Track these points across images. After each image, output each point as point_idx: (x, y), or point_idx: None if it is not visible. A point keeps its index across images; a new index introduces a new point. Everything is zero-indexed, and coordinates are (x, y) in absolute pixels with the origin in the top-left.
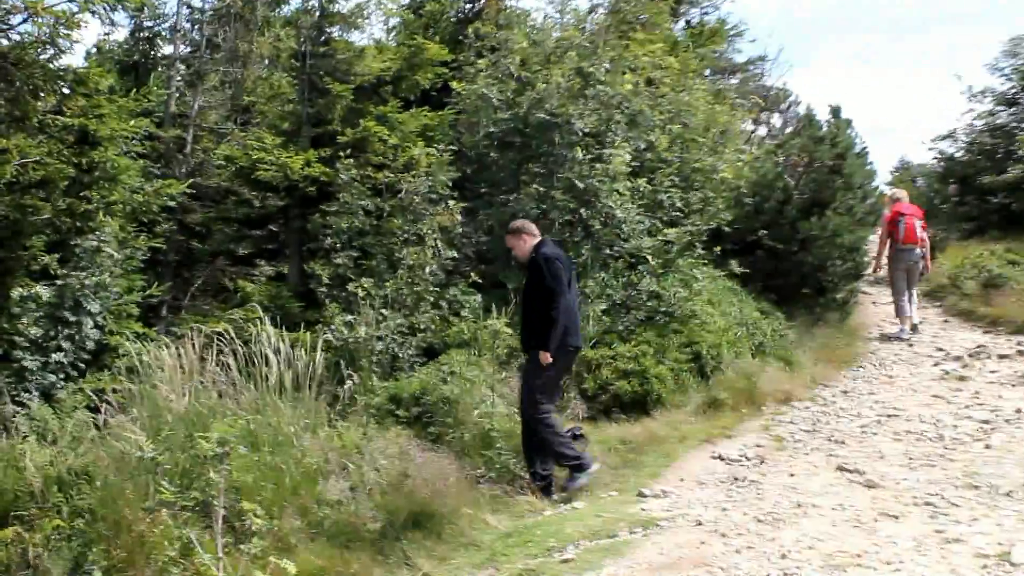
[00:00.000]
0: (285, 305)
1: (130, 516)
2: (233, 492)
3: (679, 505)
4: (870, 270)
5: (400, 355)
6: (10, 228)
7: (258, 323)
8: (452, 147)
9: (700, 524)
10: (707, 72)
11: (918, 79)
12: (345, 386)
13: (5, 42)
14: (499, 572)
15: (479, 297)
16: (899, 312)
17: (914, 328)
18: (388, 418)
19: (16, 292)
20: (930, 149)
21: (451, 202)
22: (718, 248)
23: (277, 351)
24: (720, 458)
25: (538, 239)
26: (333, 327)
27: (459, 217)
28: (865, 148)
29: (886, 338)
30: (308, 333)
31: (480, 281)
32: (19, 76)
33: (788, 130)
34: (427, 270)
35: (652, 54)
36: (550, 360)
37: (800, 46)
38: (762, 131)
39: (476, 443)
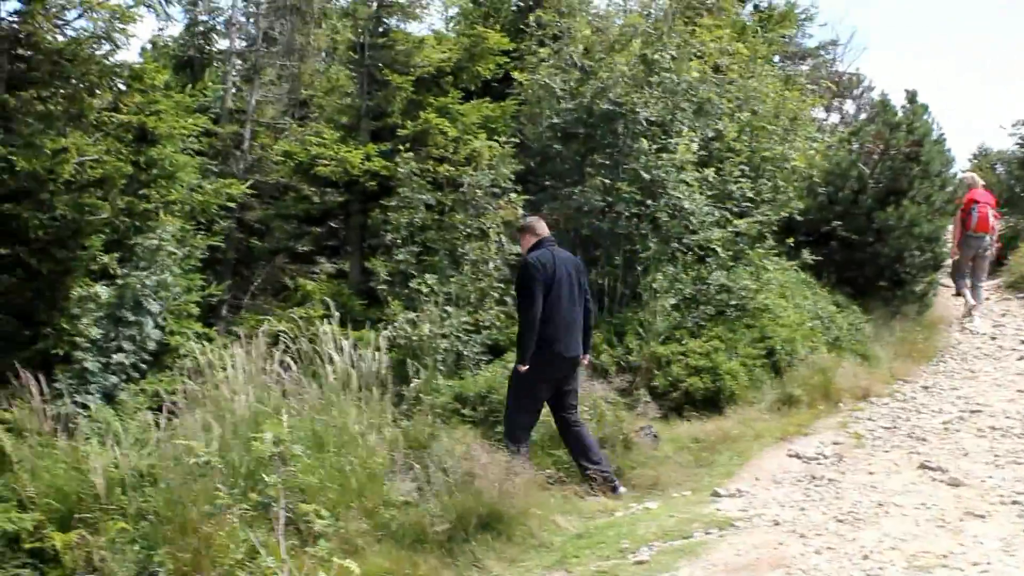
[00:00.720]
0: (346, 303)
1: (195, 519)
2: (298, 493)
3: (755, 505)
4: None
5: (465, 353)
6: (69, 228)
7: (320, 321)
8: (514, 139)
9: (777, 524)
10: (776, 58)
11: (997, 61)
12: (410, 385)
13: (61, 38)
14: (571, 574)
15: None
16: (959, 292)
17: (969, 312)
18: (454, 417)
19: (76, 292)
20: (1011, 135)
21: (513, 195)
22: (790, 239)
23: (340, 350)
24: (796, 456)
25: (538, 239)
26: (396, 324)
27: (521, 210)
28: (943, 134)
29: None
30: (371, 331)
31: None
32: (75, 73)
33: (862, 116)
34: (491, 265)
35: (719, 40)
36: (522, 369)
37: (873, 29)
38: (835, 118)
39: (544, 443)
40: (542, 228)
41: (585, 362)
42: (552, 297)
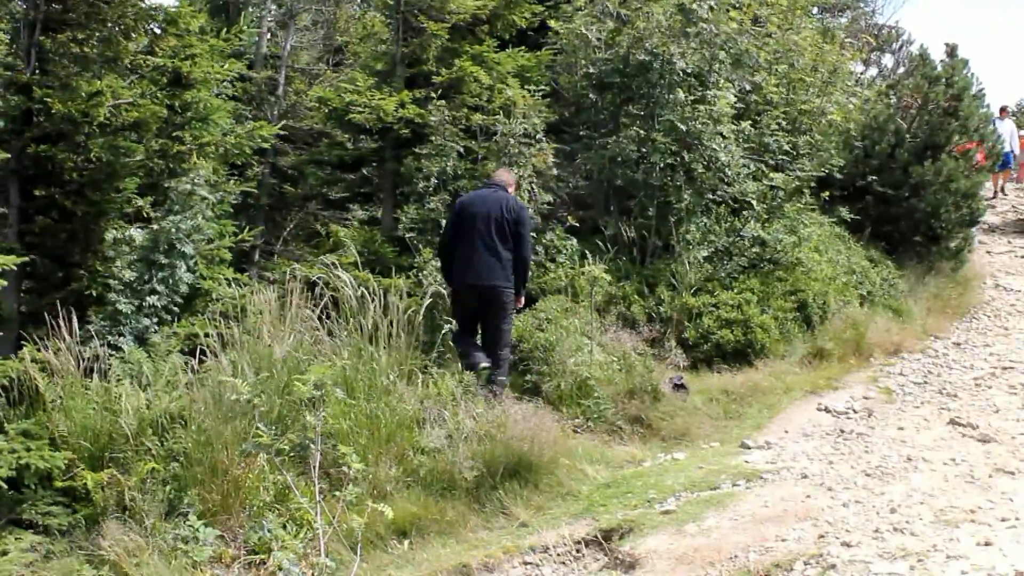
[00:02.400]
0: (379, 250)
1: (226, 460)
2: (329, 438)
3: (783, 457)
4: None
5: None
6: (103, 170)
7: (352, 268)
8: (548, 88)
9: (805, 477)
10: (815, 10)
11: None
12: (440, 333)
13: None
14: (597, 522)
15: (576, 242)
16: None
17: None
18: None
19: (110, 235)
20: None
21: (544, 144)
22: (826, 193)
23: (372, 296)
24: (826, 410)
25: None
26: (426, 272)
27: (551, 157)
28: (982, 89)
29: None
30: (402, 278)
31: (577, 226)
32: (111, 15)
33: (900, 70)
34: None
35: None
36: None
37: None
38: (873, 72)
39: (573, 392)
40: (495, 175)
41: (519, 304)
42: (460, 233)
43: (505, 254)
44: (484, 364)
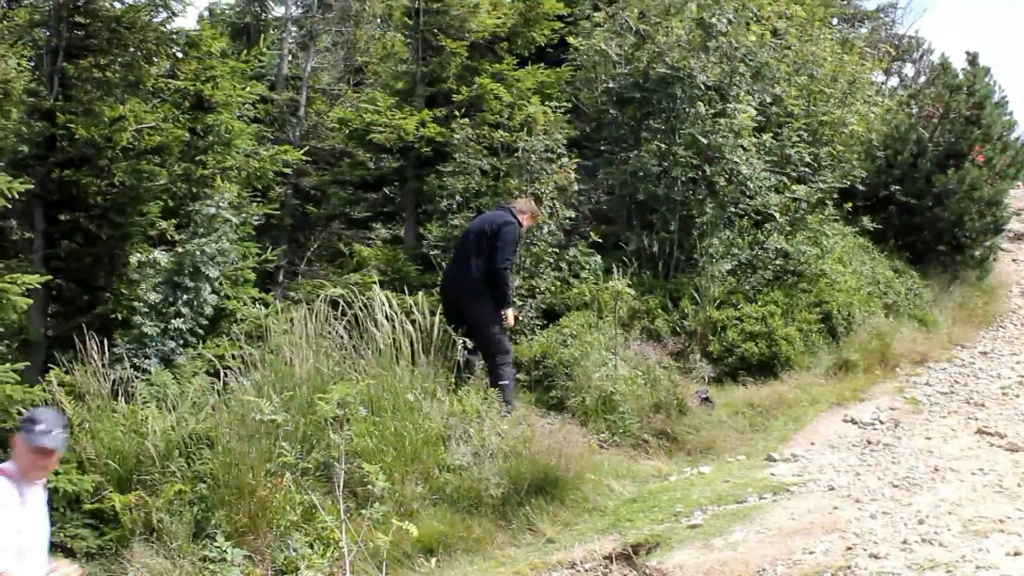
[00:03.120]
0: (402, 268)
1: (252, 481)
2: (355, 457)
3: (810, 469)
4: None
5: (519, 318)
6: (127, 194)
7: (375, 287)
8: (569, 104)
9: (832, 489)
10: (834, 21)
11: None
12: (464, 351)
13: (119, 5)
14: (624, 537)
15: (599, 258)
16: None
17: None
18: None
19: (135, 258)
20: None
21: (565, 160)
22: (849, 204)
23: (395, 315)
24: (852, 421)
25: None
26: None
27: (574, 174)
28: (1005, 97)
29: None
30: (426, 296)
31: (600, 241)
32: (132, 40)
33: (921, 80)
34: (545, 230)
35: (777, 3)
36: None
37: None
38: (894, 81)
39: (598, 407)
40: (514, 200)
41: (508, 319)
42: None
43: (478, 264)
44: (479, 364)
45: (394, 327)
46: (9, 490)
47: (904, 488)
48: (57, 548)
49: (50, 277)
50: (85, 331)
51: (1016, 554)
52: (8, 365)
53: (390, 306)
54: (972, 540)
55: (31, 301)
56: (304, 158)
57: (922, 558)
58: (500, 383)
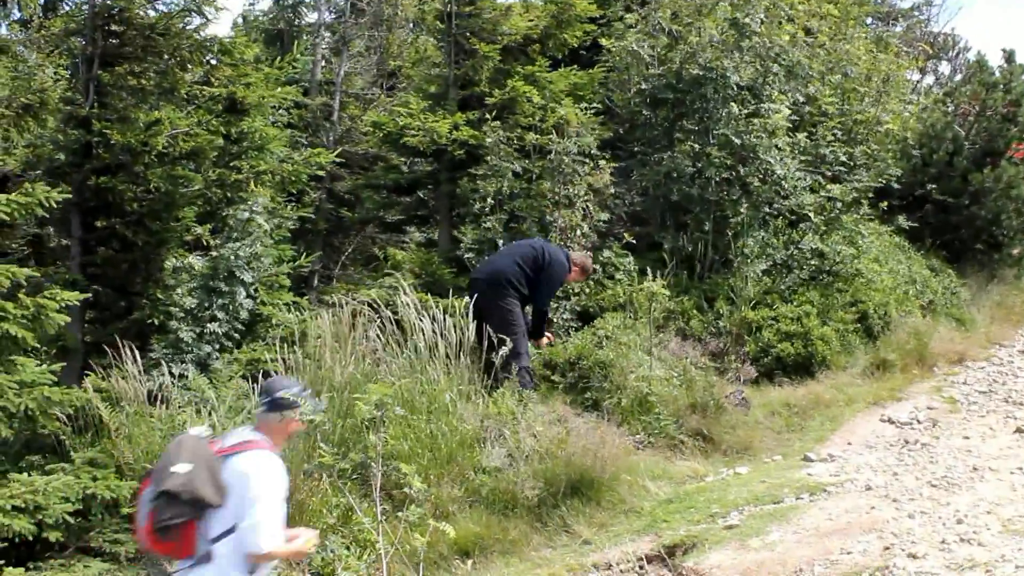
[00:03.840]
0: (436, 271)
1: (290, 484)
2: (391, 459)
3: (847, 470)
4: None
5: (554, 320)
6: (162, 200)
7: (408, 291)
8: (601, 106)
9: (870, 489)
10: (868, 19)
11: None
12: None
13: (152, 13)
14: (661, 538)
15: (632, 259)
16: None
17: None
18: (544, 384)
19: (170, 263)
20: None
21: (602, 162)
22: (884, 203)
23: (431, 318)
24: (889, 421)
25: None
26: None
27: (610, 176)
28: None
29: None
30: (460, 299)
31: (634, 243)
32: (167, 47)
33: (957, 78)
34: (579, 232)
35: (810, 2)
36: None
37: None
38: (929, 80)
39: (634, 408)
40: (576, 253)
41: (541, 344)
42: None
43: (517, 273)
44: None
45: (429, 329)
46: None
47: (942, 488)
48: (95, 552)
49: (88, 296)
50: (121, 337)
51: None
52: (45, 367)
53: (424, 308)
54: (1011, 539)
55: (68, 319)
56: (338, 161)
57: (961, 558)
58: (520, 367)
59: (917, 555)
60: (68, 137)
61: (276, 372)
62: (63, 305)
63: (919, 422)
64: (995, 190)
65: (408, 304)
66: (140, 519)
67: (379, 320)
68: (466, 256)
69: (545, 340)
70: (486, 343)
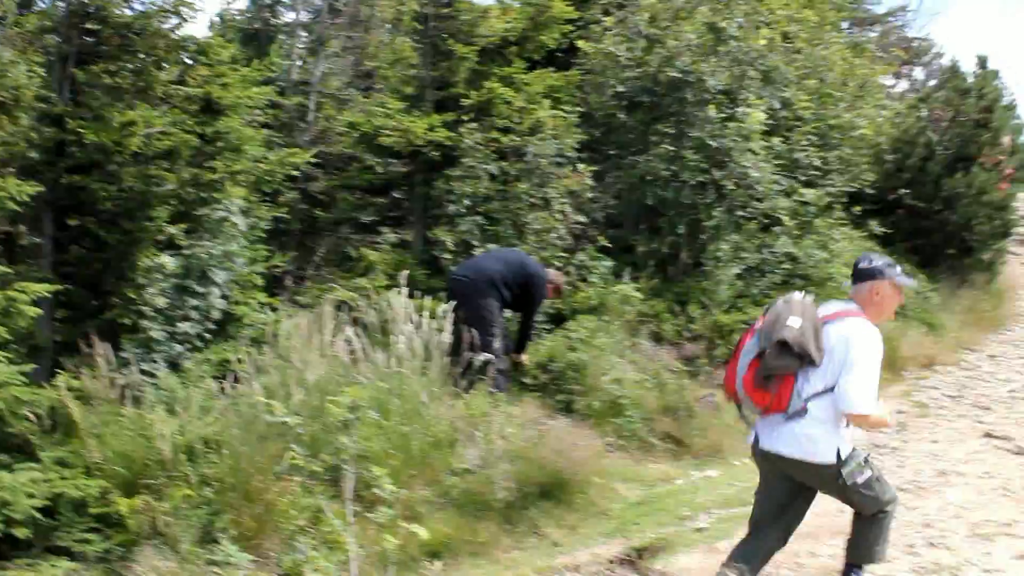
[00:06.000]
0: (410, 273)
1: (259, 485)
2: (362, 460)
3: None
4: None
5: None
6: (136, 199)
7: (383, 291)
8: (579, 108)
9: None
10: (845, 24)
11: None
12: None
13: (128, 12)
14: (630, 541)
15: (608, 262)
16: None
17: None
18: (515, 386)
19: (143, 263)
20: None
21: (580, 165)
22: (857, 208)
23: (405, 320)
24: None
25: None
26: None
27: (589, 180)
28: (1014, 100)
29: None
30: (433, 301)
31: (609, 246)
32: (143, 46)
33: (931, 83)
34: (554, 235)
35: (788, 7)
36: None
37: None
38: (904, 85)
39: (605, 411)
40: (551, 271)
41: (524, 361)
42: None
43: (501, 277)
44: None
45: (403, 330)
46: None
47: (910, 491)
48: (63, 552)
49: (60, 287)
50: (93, 336)
51: (1022, 557)
52: (15, 368)
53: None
54: (978, 544)
55: (40, 312)
56: (313, 161)
57: (928, 562)
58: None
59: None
60: (42, 135)
61: (244, 372)
62: (34, 300)
63: (888, 426)
64: (967, 196)
65: (381, 305)
66: (739, 369)
67: (353, 321)
68: (443, 257)
69: (525, 357)
70: (462, 344)
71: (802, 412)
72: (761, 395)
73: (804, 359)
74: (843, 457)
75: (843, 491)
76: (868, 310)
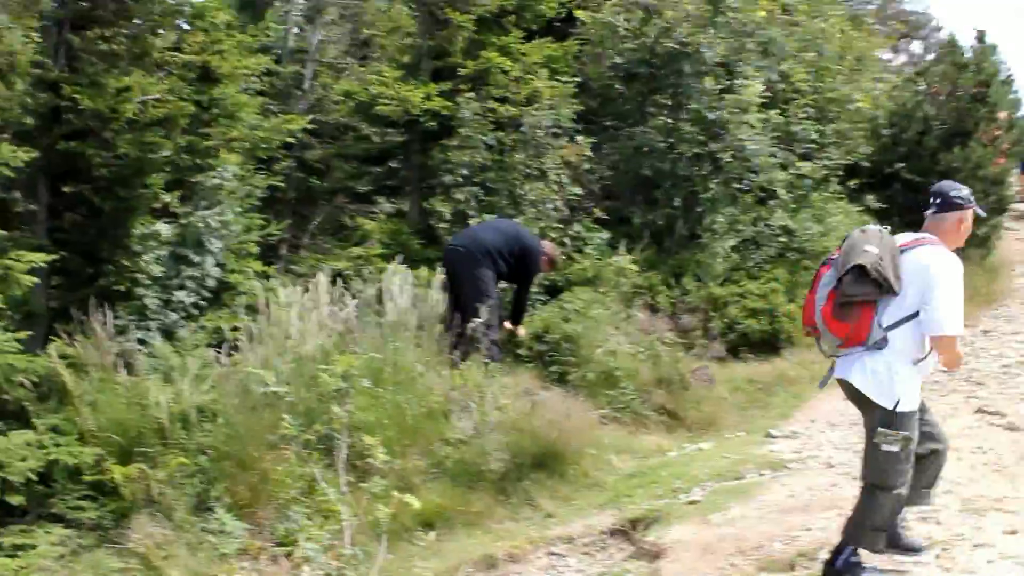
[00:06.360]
0: (405, 243)
1: (254, 454)
2: (355, 430)
3: (809, 446)
4: None
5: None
6: (131, 166)
7: (379, 261)
8: (576, 79)
9: (831, 466)
10: None
11: None
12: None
13: None
14: (623, 513)
15: (604, 234)
16: None
17: None
18: (509, 357)
19: (138, 230)
20: None
21: (579, 137)
22: (854, 182)
23: (399, 289)
24: None
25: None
26: None
27: (586, 152)
28: (1011, 75)
29: None
30: (430, 271)
31: (606, 217)
32: (138, 12)
33: (929, 57)
34: (550, 205)
35: None
36: None
37: None
38: (902, 59)
39: (600, 382)
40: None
41: (520, 333)
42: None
43: (495, 249)
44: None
45: (399, 300)
46: None
47: None
48: (57, 519)
49: (55, 256)
50: (87, 303)
51: (1012, 532)
52: (10, 335)
53: (394, 279)
54: (970, 518)
55: (36, 280)
56: (309, 129)
57: (920, 536)
58: (489, 339)
59: None
60: (37, 101)
61: (238, 341)
62: (29, 268)
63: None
64: (963, 170)
65: (378, 274)
66: (818, 300)
67: (348, 290)
68: (439, 227)
69: (521, 330)
70: (456, 314)
71: (882, 343)
72: (840, 325)
73: (883, 286)
74: (897, 411)
75: (869, 439)
76: (947, 238)
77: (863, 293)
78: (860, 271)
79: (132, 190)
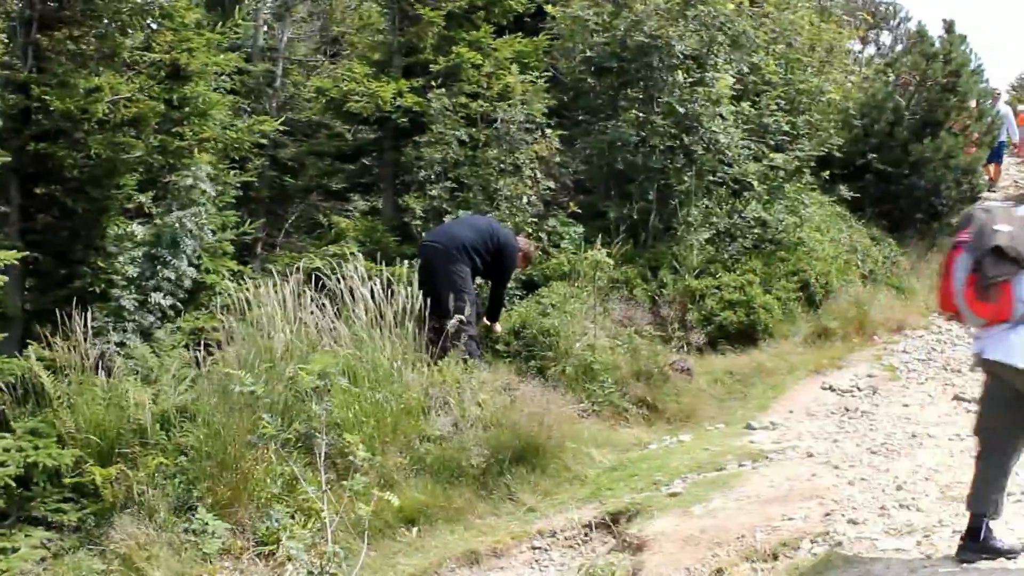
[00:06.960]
0: (381, 240)
1: (234, 453)
2: (335, 428)
3: (788, 437)
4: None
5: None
6: (103, 167)
7: (353, 258)
8: (547, 73)
9: (811, 456)
10: None
11: None
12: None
13: None
14: (605, 506)
15: (579, 228)
16: None
17: None
18: (487, 352)
19: (111, 231)
20: None
21: (548, 131)
22: (826, 172)
23: (374, 287)
24: (830, 389)
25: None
26: None
27: (557, 146)
28: (981, 65)
29: None
30: (405, 267)
31: (579, 211)
32: (106, 12)
33: (898, 48)
34: (524, 200)
35: None
36: None
37: None
38: (871, 50)
39: (578, 376)
40: (520, 239)
41: (496, 330)
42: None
43: (469, 246)
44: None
45: (374, 298)
46: None
47: (882, 454)
48: (37, 521)
49: (27, 253)
50: (63, 305)
51: None
52: None
53: (369, 277)
54: (949, 505)
55: (6, 278)
56: (281, 128)
57: (900, 523)
58: (467, 336)
59: (857, 521)
60: (6, 102)
61: (215, 341)
62: (1, 266)
63: (859, 390)
64: (934, 160)
65: (353, 272)
66: (957, 284)
67: (323, 288)
68: (414, 223)
69: (498, 326)
70: (433, 311)
71: None
72: (985, 307)
73: (1021, 262)
74: None
75: (1000, 407)
76: None
77: (1005, 273)
78: (999, 253)
79: (104, 191)
